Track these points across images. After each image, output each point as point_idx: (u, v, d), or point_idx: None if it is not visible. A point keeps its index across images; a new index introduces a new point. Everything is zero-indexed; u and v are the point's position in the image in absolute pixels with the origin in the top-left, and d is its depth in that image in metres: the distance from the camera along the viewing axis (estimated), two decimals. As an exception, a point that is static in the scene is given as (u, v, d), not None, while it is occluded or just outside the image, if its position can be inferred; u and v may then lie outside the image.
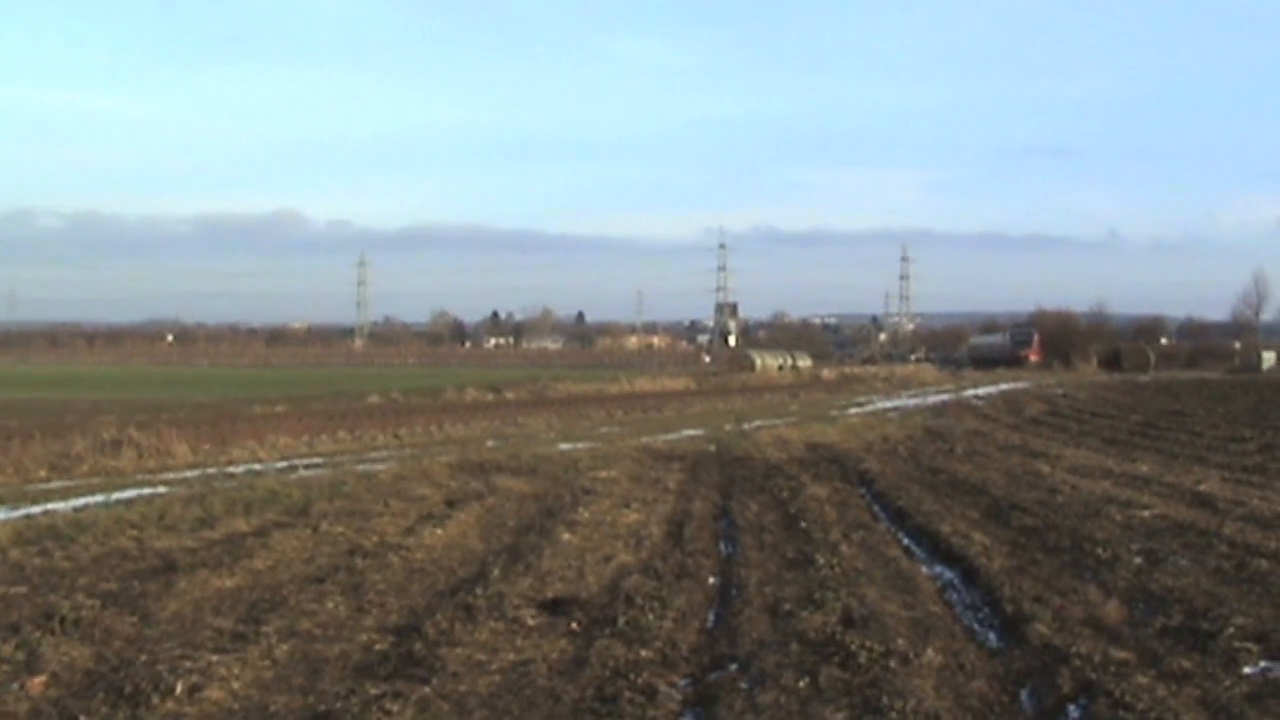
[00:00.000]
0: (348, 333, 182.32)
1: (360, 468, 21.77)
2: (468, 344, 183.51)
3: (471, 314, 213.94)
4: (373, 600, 10.84)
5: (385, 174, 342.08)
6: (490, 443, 29.31)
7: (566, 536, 14.31)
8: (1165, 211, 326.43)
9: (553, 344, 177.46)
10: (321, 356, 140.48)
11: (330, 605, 10.55)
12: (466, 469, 21.47)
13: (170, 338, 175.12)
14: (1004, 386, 64.49)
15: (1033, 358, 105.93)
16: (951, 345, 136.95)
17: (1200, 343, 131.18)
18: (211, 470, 22.65)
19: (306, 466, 23.04)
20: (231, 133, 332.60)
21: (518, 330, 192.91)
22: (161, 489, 18.77)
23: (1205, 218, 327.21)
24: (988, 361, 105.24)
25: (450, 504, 16.96)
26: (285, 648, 9.20)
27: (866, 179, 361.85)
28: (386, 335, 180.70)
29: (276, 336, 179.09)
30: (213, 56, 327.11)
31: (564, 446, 27.17)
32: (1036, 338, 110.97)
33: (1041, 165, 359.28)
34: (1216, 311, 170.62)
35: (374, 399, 47.43)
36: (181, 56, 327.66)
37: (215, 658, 8.69)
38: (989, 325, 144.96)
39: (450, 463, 22.31)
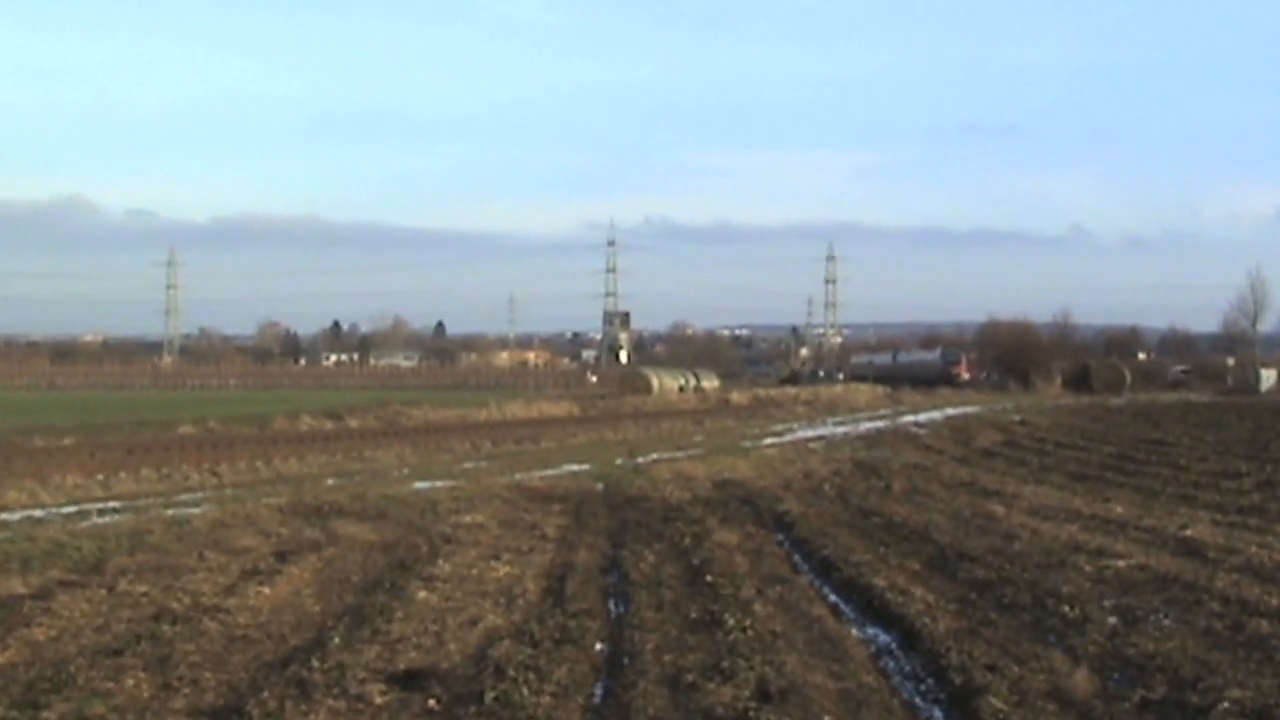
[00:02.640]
0: (154, 348, 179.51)
1: (169, 513, 21.44)
2: (302, 361, 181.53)
3: (307, 325, 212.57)
4: (183, 676, 10.67)
5: (195, 154, 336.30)
6: (330, 481, 29.03)
7: (423, 595, 14.26)
8: (1139, 203, 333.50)
9: (406, 361, 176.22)
10: (121, 376, 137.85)
11: (130, 684, 10.37)
12: (301, 514, 21.26)
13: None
14: (950, 411, 65.44)
15: (963, 374, 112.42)
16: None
17: (1185, 358, 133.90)
18: (-21, 517, 21.96)
19: (101, 512, 22.54)
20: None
21: (363, 344, 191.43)
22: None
23: (1188, 210, 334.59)
24: (895, 380, 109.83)
25: (280, 556, 16.81)
26: (72, 737, 9.05)
27: (781, 163, 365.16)
28: (202, 350, 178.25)
29: (64, 352, 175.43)
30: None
31: (420, 485, 27.06)
32: (964, 357, 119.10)
33: (988, 146, 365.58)
34: (1205, 321, 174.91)
35: (186, 429, 46.61)
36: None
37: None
38: (930, 338, 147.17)
39: (281, 506, 22.07)
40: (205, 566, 15.87)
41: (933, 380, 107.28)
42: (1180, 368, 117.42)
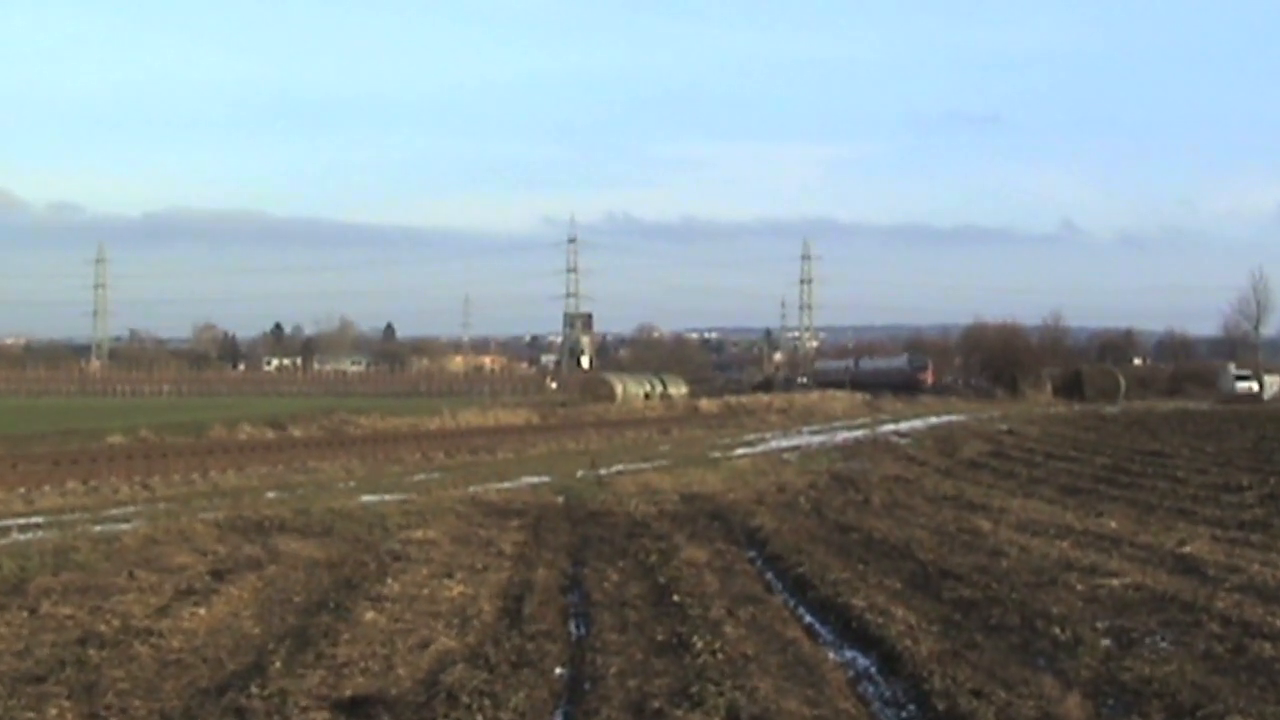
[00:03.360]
0: (81, 351, 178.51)
1: (97, 529, 21.33)
2: (242, 366, 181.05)
3: (246, 327, 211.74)
4: (112, 705, 10.60)
5: (124, 143, 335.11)
6: (271, 494, 29.02)
7: (371, 616, 14.23)
8: (1134, 198, 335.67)
9: (354, 365, 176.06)
10: (45, 382, 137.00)
11: (53, 713, 10.30)
12: (240, 529, 21.19)
13: None
14: (934, 420, 65.60)
15: (929, 380, 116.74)
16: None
17: (1184, 364, 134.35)
18: (-108, 533, 21.80)
19: (23, 529, 22.47)
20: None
21: (307, 348, 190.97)
22: None
23: (1186, 206, 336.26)
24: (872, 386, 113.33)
25: (217, 575, 16.74)
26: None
27: (753, 155, 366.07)
28: (134, 355, 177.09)
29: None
30: None
31: (368, 499, 27.03)
32: (930, 363, 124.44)
33: (971, 137, 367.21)
34: (1204, 324, 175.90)
35: (116, 438, 46.48)
36: None
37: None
38: (913, 342, 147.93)
39: (218, 521, 21.98)
40: (136, 586, 15.76)
41: (897, 386, 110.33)
42: (1239, 372, 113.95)
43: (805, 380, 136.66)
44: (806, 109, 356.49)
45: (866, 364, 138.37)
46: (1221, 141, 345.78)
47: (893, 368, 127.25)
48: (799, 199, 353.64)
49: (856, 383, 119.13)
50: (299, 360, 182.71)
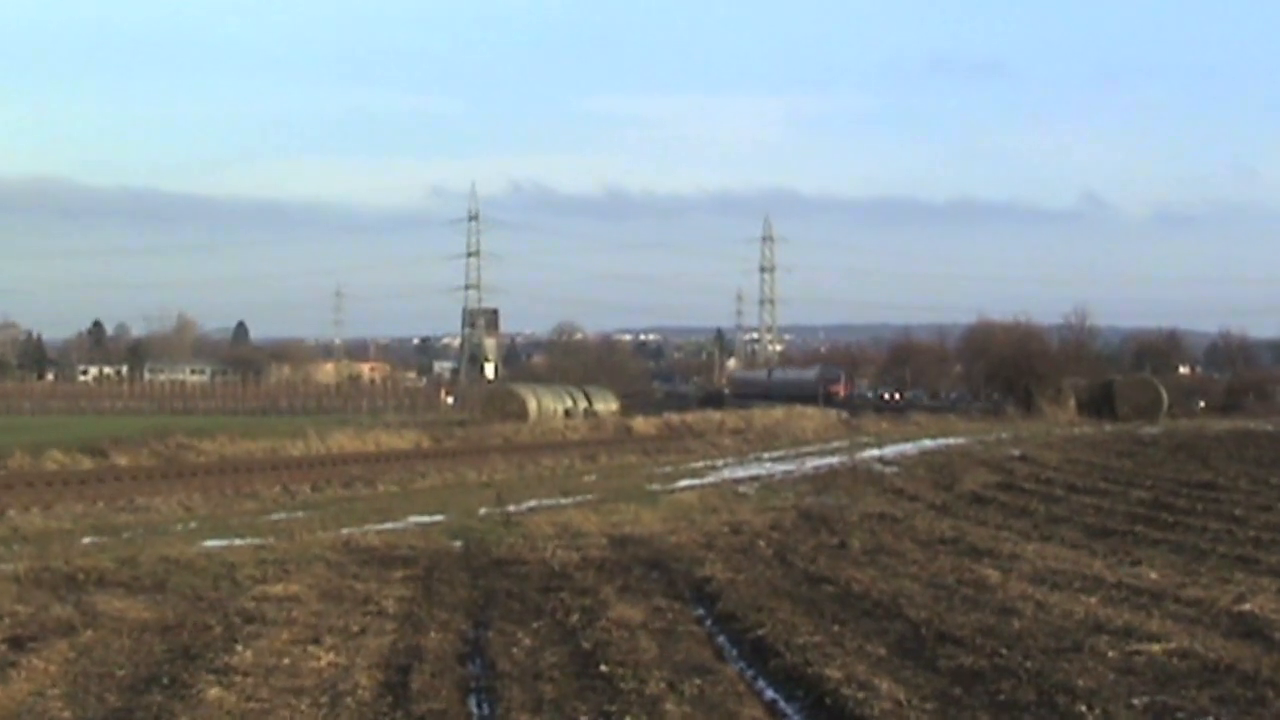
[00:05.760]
0: None
1: None
2: (51, 375, 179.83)
3: (56, 327, 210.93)
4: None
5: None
6: (88, 540, 28.74)
7: (215, 694, 14.13)
8: (1174, 164, 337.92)
9: (195, 375, 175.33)
10: None
11: None
12: (47, 585, 21.05)
13: None
14: (927, 444, 65.64)
15: (840, 392, 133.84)
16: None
17: (1242, 373, 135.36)
18: None
19: None
20: None
21: (135, 352, 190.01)
22: None
23: (1241, 174, 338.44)
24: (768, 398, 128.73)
25: (17, 644, 16.61)
26: None
27: (697, 111, 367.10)
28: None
29: None
30: None
31: (213, 544, 26.91)
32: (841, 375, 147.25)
33: (966, 89, 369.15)
34: (1266, 324, 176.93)
35: (-114, 468, 46.06)
36: None
37: None
38: (901, 347, 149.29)
39: (18, 575, 21.83)
40: (-88, 658, 15.43)
41: (808, 399, 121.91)
42: None
43: (725, 391, 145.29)
44: (763, 54, 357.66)
45: (779, 375, 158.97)
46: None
47: (804, 379, 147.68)
48: (755, 166, 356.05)
49: (769, 395, 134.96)
50: (124, 368, 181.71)
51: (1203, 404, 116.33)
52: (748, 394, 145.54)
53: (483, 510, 34.06)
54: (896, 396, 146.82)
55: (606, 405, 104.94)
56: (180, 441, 58.81)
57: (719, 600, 20.64)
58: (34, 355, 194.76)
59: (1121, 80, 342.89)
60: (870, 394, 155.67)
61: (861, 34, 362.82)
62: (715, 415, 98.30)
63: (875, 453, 58.92)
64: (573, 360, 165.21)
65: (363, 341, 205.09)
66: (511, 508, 34.00)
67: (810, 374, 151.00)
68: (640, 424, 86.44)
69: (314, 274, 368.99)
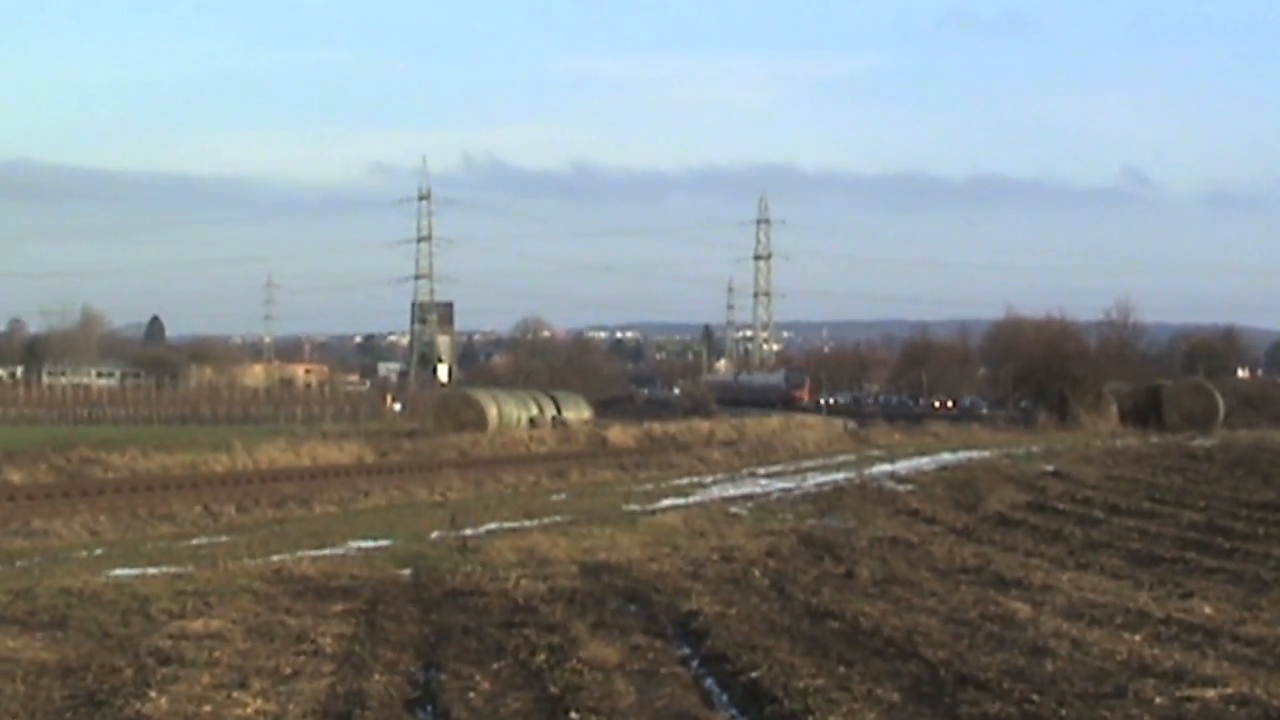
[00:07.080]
0: None
1: None
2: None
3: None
4: None
5: None
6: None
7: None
8: (1228, 138, 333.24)
9: (103, 378, 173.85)
10: None
11: None
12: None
13: None
14: (946, 458, 64.59)
15: (804, 397, 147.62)
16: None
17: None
18: None
19: None
20: None
21: (32, 352, 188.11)
22: None
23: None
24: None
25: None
26: None
27: (680, 74, 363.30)
28: None
29: None
30: None
31: (123, 573, 25.99)
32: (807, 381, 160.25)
33: (986, 49, 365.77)
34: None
35: None
36: None
37: None
38: (918, 345, 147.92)
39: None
40: None
41: (772, 403, 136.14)
42: None
43: (690, 394, 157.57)
44: (754, 8, 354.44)
45: (745, 379, 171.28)
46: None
47: (769, 384, 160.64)
48: (746, 138, 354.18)
49: (735, 399, 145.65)
50: (19, 370, 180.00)
51: (1263, 413, 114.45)
52: (722, 399, 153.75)
53: (435, 534, 33.30)
54: (949, 404, 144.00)
55: (578, 413, 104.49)
56: (85, 455, 58.78)
57: (707, 638, 19.88)
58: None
59: (1164, 41, 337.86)
60: (883, 400, 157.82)
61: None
62: (704, 424, 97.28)
63: (887, 468, 58.04)
64: (539, 361, 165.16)
65: (296, 340, 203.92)
66: (468, 531, 33.42)
67: (776, 378, 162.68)
68: (617, 434, 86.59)
69: (240, 261, 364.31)
